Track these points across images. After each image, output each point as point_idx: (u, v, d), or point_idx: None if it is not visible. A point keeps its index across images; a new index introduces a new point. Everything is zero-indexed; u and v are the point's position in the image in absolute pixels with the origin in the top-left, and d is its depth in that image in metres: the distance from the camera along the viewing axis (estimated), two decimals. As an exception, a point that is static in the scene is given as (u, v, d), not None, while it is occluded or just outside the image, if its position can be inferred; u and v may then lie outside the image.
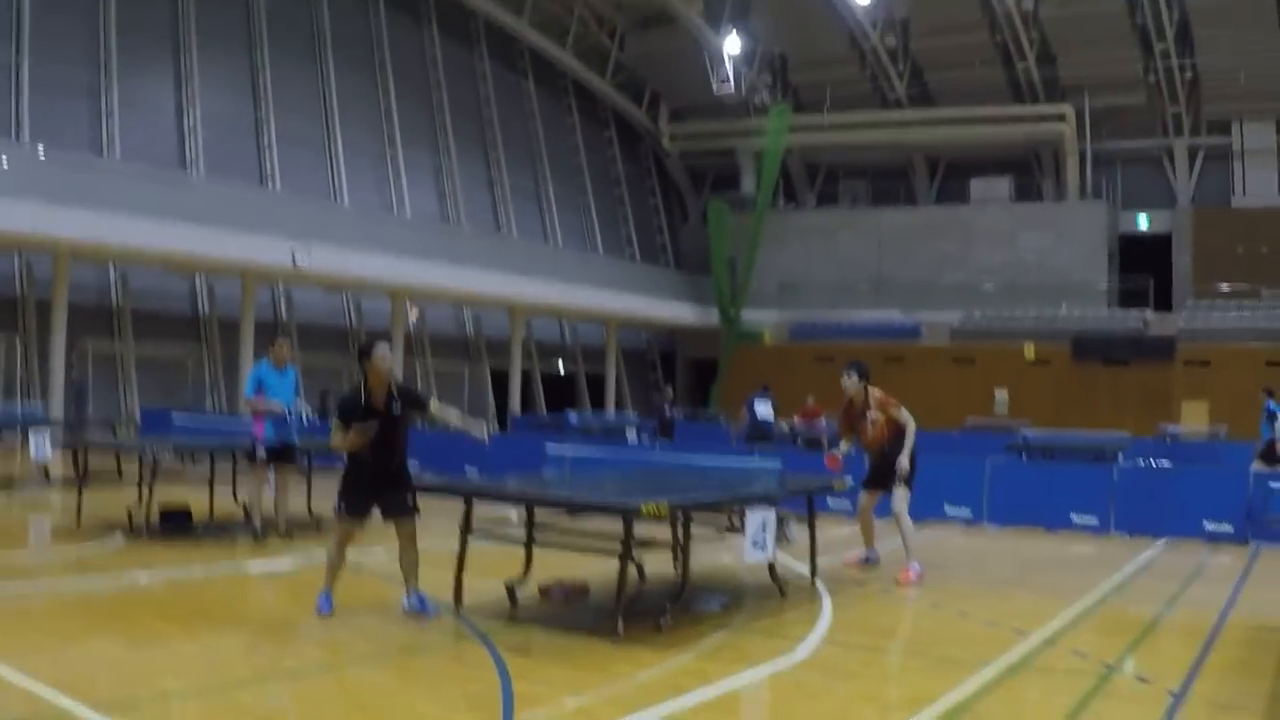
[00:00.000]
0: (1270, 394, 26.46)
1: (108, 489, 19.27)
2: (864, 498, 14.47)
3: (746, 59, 55.94)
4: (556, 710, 7.78)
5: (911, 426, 13.86)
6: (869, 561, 14.49)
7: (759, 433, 27.27)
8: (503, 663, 8.85)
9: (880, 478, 14.02)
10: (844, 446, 14.31)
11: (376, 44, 48.27)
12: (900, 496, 13.76)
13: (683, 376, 55.76)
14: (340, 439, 10.37)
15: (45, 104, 35.92)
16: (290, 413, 15.02)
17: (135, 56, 38.91)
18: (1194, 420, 39.66)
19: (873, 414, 13.94)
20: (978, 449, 24.84)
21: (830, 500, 19.35)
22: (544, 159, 55.96)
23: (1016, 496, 20.20)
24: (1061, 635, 10.66)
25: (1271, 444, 25.66)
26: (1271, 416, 25.79)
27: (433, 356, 46.87)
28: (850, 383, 14.02)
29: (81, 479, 16.90)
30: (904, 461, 13.72)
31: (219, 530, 15.68)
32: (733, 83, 54.97)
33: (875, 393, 14.05)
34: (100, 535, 14.88)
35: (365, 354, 10.52)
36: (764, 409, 27.37)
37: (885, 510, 13.94)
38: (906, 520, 13.76)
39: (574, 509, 11.60)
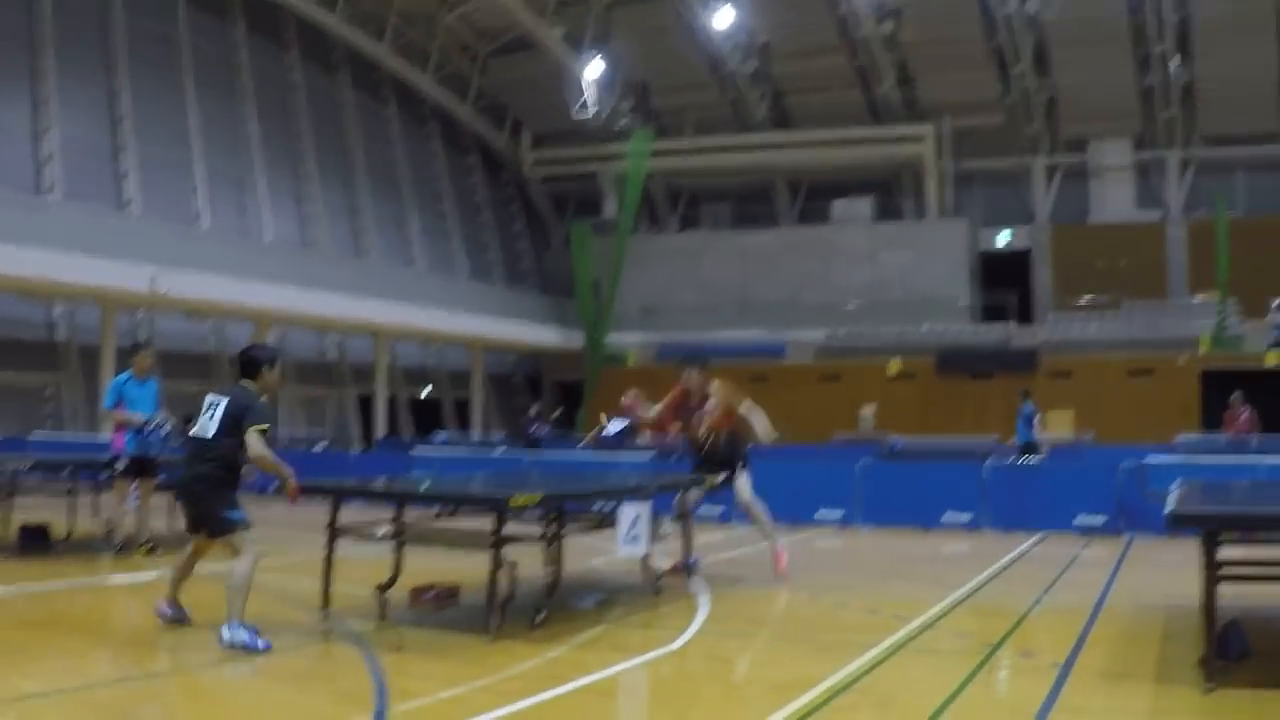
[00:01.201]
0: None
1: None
2: (683, 500, 13.61)
3: (607, 85, 56.03)
4: (432, 702, 7.56)
5: (757, 413, 13.54)
6: (691, 567, 13.56)
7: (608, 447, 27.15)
8: (375, 660, 8.62)
9: (712, 470, 13.49)
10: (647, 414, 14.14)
11: (237, 70, 47.67)
12: (744, 484, 13.43)
13: (549, 399, 55.43)
14: (269, 454, 9.55)
15: (-103, 127, 35.16)
16: (150, 424, 14.60)
17: (-10, 80, 38.19)
18: (1060, 428, 40.09)
19: (712, 403, 13.55)
20: (847, 456, 24.88)
21: (702, 507, 19.17)
22: (407, 185, 55.53)
23: (888, 497, 20.22)
24: (942, 619, 10.64)
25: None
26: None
27: (296, 382, 46.26)
28: (694, 376, 13.75)
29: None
30: (767, 428, 13.52)
31: (79, 547, 15.24)
32: (594, 108, 55.04)
33: (715, 382, 13.72)
34: (-47, 555, 14.40)
35: (270, 361, 9.97)
36: (613, 426, 27.22)
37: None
38: (758, 505, 13.40)
39: (444, 503, 11.36)
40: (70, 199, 37.58)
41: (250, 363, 9.84)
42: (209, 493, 9.52)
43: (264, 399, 9.81)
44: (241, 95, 47.30)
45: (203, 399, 9.72)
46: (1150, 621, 10.56)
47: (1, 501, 14.81)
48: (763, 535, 13.60)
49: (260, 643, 8.94)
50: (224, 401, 9.57)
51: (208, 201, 44.07)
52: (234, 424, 9.44)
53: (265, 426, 9.54)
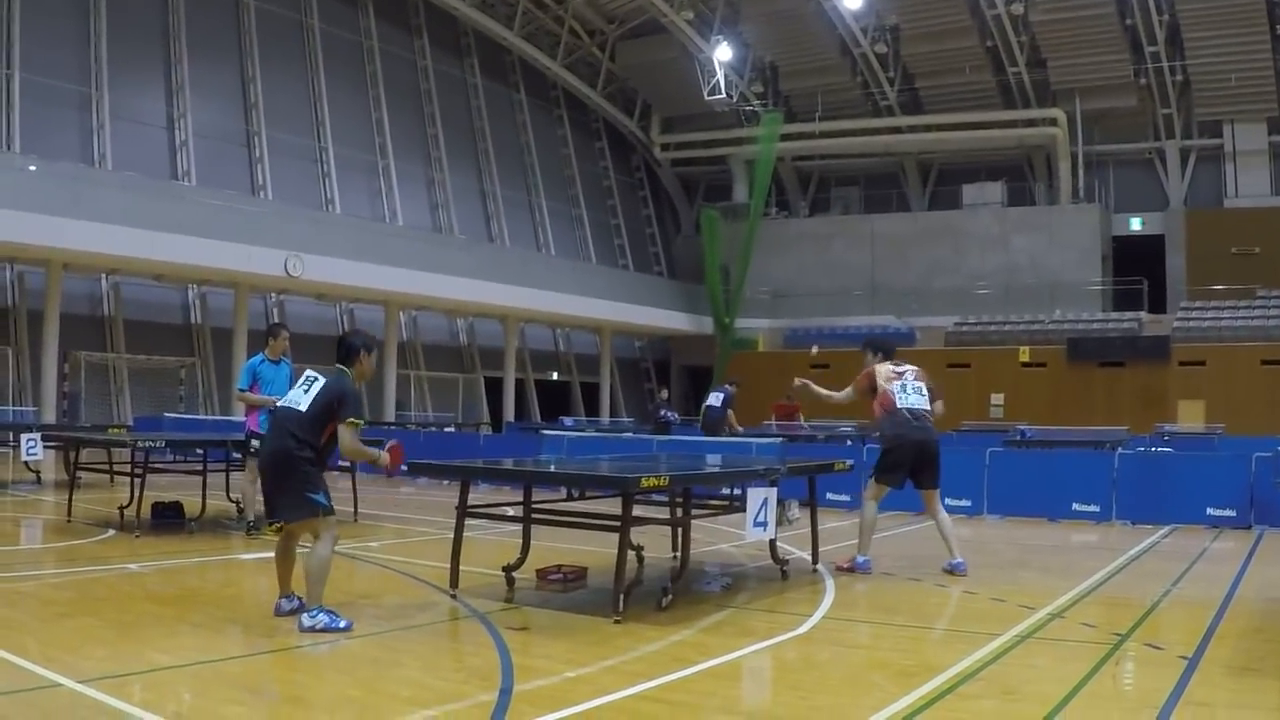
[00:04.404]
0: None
1: (100, 490, 19.16)
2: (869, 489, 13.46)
3: (737, 68, 56.02)
4: (557, 681, 7.59)
5: (836, 397, 13.56)
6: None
7: (705, 422, 27.24)
8: (501, 639, 8.71)
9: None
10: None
11: (367, 55, 48.26)
12: (868, 484, 13.27)
13: (677, 384, 55.57)
14: (362, 447, 9.41)
15: (36, 115, 35.90)
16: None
17: (126, 68, 38.89)
18: (1191, 419, 39.58)
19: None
20: (976, 444, 24.68)
21: (829, 494, 19.19)
22: (536, 169, 55.97)
23: (1017, 487, 20.05)
24: (1069, 609, 10.54)
25: None
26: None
27: (426, 366, 46.75)
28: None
29: (73, 476, 16.75)
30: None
31: (211, 525, 15.50)
32: (724, 91, 54.99)
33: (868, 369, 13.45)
34: (91, 530, 14.69)
35: (368, 348, 9.61)
36: (712, 398, 27.33)
37: (885, 503, 13.49)
38: (864, 509, 13.15)
39: (572, 485, 11.42)
40: (204, 185, 38.31)
41: (349, 350, 9.48)
42: (291, 471, 9.13)
43: (359, 386, 9.55)
44: (372, 81, 47.82)
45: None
46: (1280, 616, 10.45)
47: (135, 479, 15.02)
48: (858, 539, 13.18)
49: (342, 621, 8.84)
50: (322, 382, 9.32)
51: (339, 187, 44.60)
52: (327, 408, 9.16)
53: (360, 422, 9.29)
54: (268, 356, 15.05)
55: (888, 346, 13.91)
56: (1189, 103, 51.17)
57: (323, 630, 8.72)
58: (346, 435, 9.14)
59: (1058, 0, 48.02)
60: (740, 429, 27.52)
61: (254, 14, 43.60)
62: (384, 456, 9.58)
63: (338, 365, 9.46)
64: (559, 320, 51.38)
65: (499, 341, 48.96)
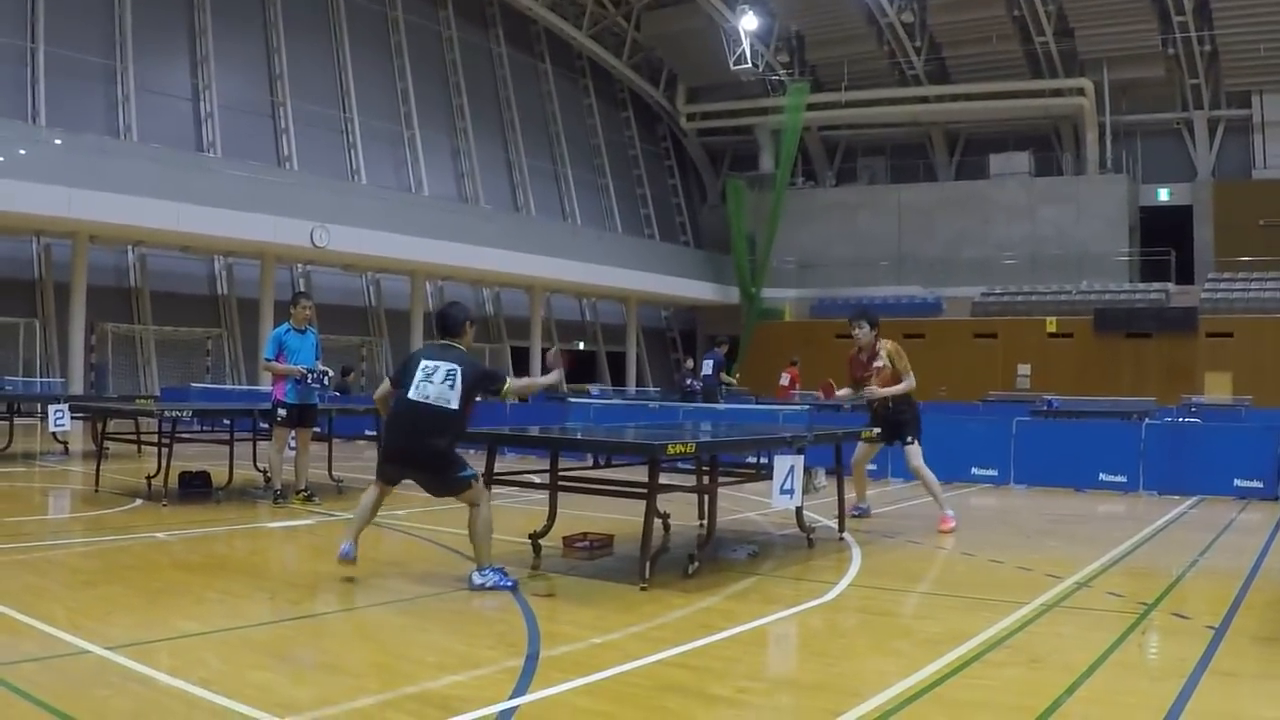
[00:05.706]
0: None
1: (127, 461, 19.24)
2: (861, 449, 14.49)
3: (763, 37, 55.82)
4: (584, 647, 7.59)
5: (910, 382, 13.97)
6: (859, 513, 14.50)
7: (704, 390, 27.30)
8: (528, 606, 8.74)
9: (884, 432, 13.97)
10: (844, 392, 14.26)
11: (392, 26, 48.23)
12: (914, 452, 13.85)
13: (703, 353, 55.58)
14: (529, 381, 11.35)
15: (61, 88, 35.97)
16: (311, 374, 14.76)
17: (151, 40, 38.92)
18: (1217, 391, 39.47)
19: (880, 361, 13.90)
20: (1003, 414, 24.63)
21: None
22: (561, 140, 55.95)
23: (1043, 457, 19.97)
24: (1096, 579, 10.51)
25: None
26: None
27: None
28: (862, 332, 14.06)
29: (100, 446, 16.82)
30: (876, 390, 13.89)
31: (238, 494, 15.54)
32: (750, 61, 54.81)
33: (886, 342, 14.12)
34: (119, 500, 14.74)
35: (470, 319, 10.15)
36: (705, 367, 27.33)
37: (898, 471, 13.76)
38: (927, 472, 13.84)
39: (599, 452, 11.42)
40: (230, 157, 38.27)
41: (455, 322, 9.93)
42: (447, 463, 9.58)
43: None
44: (397, 51, 47.79)
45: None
46: (1309, 586, 10.40)
47: (162, 449, 15.07)
48: (934, 500, 13.91)
49: (509, 580, 9.44)
50: (460, 371, 9.53)
51: (365, 158, 44.62)
52: (474, 391, 9.63)
53: (509, 379, 10.13)
54: (293, 326, 15.06)
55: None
56: (1217, 73, 50.86)
57: (492, 588, 9.31)
58: (515, 391, 10.33)
59: (1085, -32, 47.85)
60: (733, 380, 27.80)
61: (279, -16, 43.62)
62: (555, 374, 10.80)
63: (445, 340, 9.93)
64: (585, 290, 51.47)
65: (525, 311, 49.09)
